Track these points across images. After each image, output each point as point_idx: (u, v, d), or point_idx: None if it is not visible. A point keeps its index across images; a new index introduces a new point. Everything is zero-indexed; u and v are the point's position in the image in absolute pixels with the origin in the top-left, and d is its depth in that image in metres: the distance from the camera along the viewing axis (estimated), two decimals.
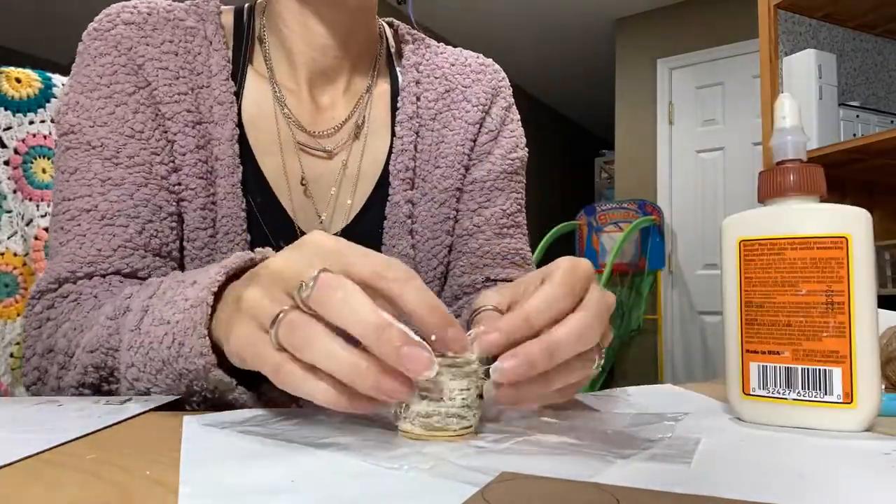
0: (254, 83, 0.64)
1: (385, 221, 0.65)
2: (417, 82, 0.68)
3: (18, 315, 0.73)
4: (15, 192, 0.76)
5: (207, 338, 0.38)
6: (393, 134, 0.67)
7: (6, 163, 0.76)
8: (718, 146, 3.96)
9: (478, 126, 0.70)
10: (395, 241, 0.65)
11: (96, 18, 0.60)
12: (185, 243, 0.60)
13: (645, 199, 4.08)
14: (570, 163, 6.04)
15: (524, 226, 0.74)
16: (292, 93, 0.64)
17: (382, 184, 0.66)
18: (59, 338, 0.51)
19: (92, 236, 0.56)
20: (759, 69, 1.78)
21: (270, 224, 0.62)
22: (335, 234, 0.65)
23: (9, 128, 0.77)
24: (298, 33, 0.63)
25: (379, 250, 0.64)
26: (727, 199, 3.86)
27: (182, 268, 0.60)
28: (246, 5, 0.67)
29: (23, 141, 0.78)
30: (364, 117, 0.67)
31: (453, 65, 0.71)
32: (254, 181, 0.62)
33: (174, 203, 0.59)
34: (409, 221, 0.65)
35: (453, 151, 0.68)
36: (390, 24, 0.74)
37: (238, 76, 0.62)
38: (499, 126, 0.71)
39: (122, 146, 0.57)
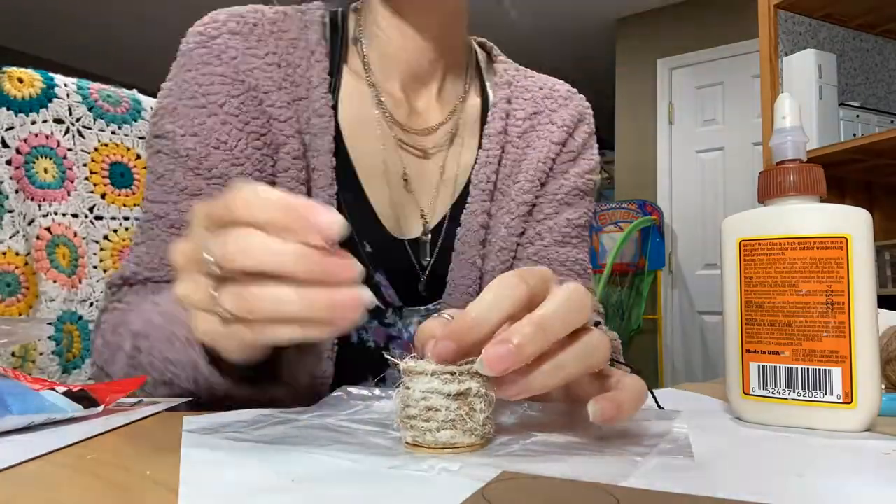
0: (351, 83, 0.65)
1: (459, 228, 0.66)
2: (508, 100, 0.70)
3: (20, 314, 0.73)
4: (17, 191, 0.76)
5: (212, 365, 0.41)
6: (480, 146, 0.68)
7: (8, 163, 0.76)
8: (718, 146, 3.96)
9: (560, 146, 0.71)
10: (465, 248, 0.65)
11: (201, 22, 0.60)
12: None
13: (645, 199, 4.08)
14: None
15: (588, 241, 0.74)
16: (388, 94, 0.66)
17: (465, 193, 0.67)
18: (107, 355, 0.53)
19: (160, 243, 0.57)
20: (759, 69, 1.78)
21: (358, 224, 0.62)
22: (427, 234, 0.65)
23: (11, 128, 0.77)
24: (393, 37, 0.64)
25: (450, 256, 0.65)
26: (727, 199, 3.85)
27: None
28: (339, 9, 0.68)
29: (25, 141, 0.78)
30: (458, 124, 0.69)
31: (542, 88, 0.74)
32: (347, 185, 0.62)
33: None
34: (482, 231, 0.66)
35: (534, 167, 0.69)
36: (482, 45, 0.76)
37: (333, 76, 0.63)
38: (580, 148, 0.73)
39: (204, 157, 0.57)
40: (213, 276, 0.31)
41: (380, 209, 0.63)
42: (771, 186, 0.42)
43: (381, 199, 0.64)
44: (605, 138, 5.28)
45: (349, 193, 0.62)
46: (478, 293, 0.69)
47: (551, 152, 0.70)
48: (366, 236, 0.62)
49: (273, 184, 0.59)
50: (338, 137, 0.62)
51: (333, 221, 0.29)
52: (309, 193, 0.60)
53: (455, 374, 0.32)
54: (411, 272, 0.65)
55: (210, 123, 0.57)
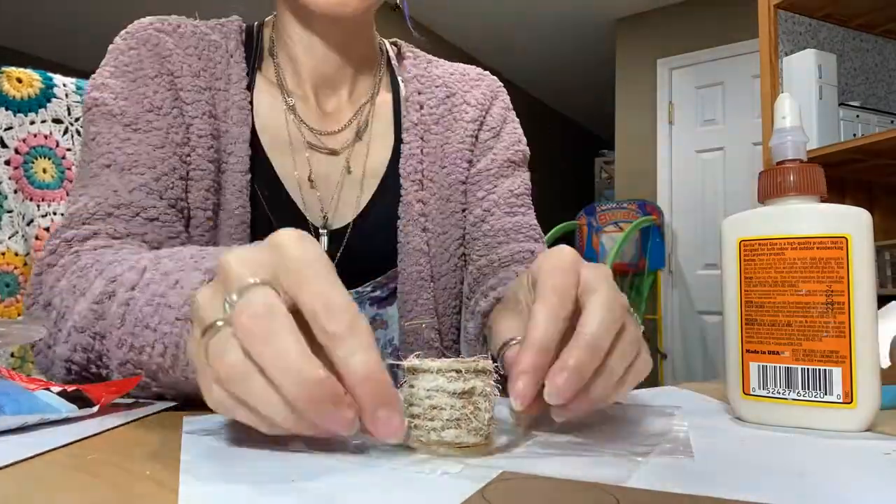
0: (265, 89, 0.70)
1: (399, 221, 0.70)
2: (419, 92, 0.74)
3: (19, 315, 0.73)
4: (16, 191, 0.76)
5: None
6: (398, 139, 0.72)
7: (7, 163, 0.76)
8: (718, 146, 3.96)
9: (478, 123, 0.75)
10: (409, 238, 0.69)
11: (128, 27, 0.66)
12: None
13: (645, 199, 4.08)
14: (570, 163, 6.04)
15: (532, 206, 0.77)
16: (300, 99, 0.70)
17: (388, 184, 0.71)
18: (55, 295, 0.52)
19: (110, 183, 0.59)
20: (759, 69, 1.78)
21: (279, 217, 0.66)
22: (342, 228, 0.68)
23: (10, 128, 0.77)
24: (302, 46, 0.69)
25: (394, 246, 0.69)
26: (727, 199, 3.85)
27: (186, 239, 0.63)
28: (256, 22, 0.73)
29: (23, 141, 0.78)
30: (367, 121, 0.72)
31: (452, 74, 0.78)
32: (263, 178, 0.67)
33: (185, 171, 0.63)
34: (421, 219, 0.70)
35: (455, 149, 0.73)
36: (394, 43, 0.80)
37: (250, 83, 0.69)
38: (500, 124, 0.76)
39: (140, 115, 0.62)
40: (227, 320, 0.29)
41: (302, 207, 0.68)
42: (771, 186, 0.42)
43: (298, 198, 0.68)
44: (605, 138, 5.28)
45: (267, 191, 0.66)
46: (430, 278, 0.72)
47: (469, 131, 0.74)
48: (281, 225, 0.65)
49: (188, 155, 0.63)
50: (255, 138, 0.66)
51: (399, 433, 0.28)
52: (219, 171, 0.64)
53: (461, 371, 0.32)
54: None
55: (141, 91, 0.62)
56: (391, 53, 0.79)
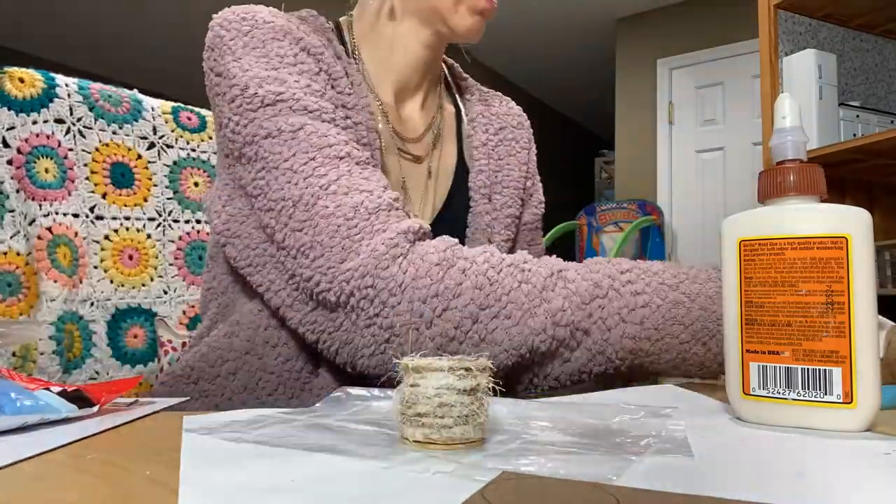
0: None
1: (467, 229, 0.72)
2: (482, 114, 0.78)
3: (21, 314, 0.73)
4: (18, 191, 0.76)
5: None
6: (460, 152, 0.76)
7: (9, 162, 0.76)
8: (718, 146, 3.96)
9: (525, 167, 0.80)
10: (476, 246, 0.70)
11: (230, 14, 0.60)
12: None
13: (645, 199, 4.08)
14: (571, 163, 6.04)
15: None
16: (381, 101, 0.71)
17: (456, 193, 0.73)
18: (455, 308, 0.49)
19: (361, 180, 0.54)
20: (759, 69, 1.78)
21: None
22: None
23: (12, 127, 0.77)
24: (398, 51, 0.70)
25: None
26: (727, 199, 3.85)
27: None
28: (335, 21, 0.73)
29: (26, 141, 0.78)
30: (440, 130, 0.75)
31: (500, 105, 0.82)
32: None
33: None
34: (488, 230, 0.73)
35: (513, 185, 0.77)
36: (444, 61, 0.82)
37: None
38: (534, 173, 0.82)
39: (326, 109, 0.58)
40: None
41: None
42: (771, 186, 0.42)
43: None
44: (605, 138, 5.28)
45: None
46: None
47: (521, 172, 0.78)
48: None
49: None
50: None
51: None
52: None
53: (472, 369, 0.32)
54: None
55: (304, 81, 0.58)
56: (444, 69, 0.81)
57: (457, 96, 0.80)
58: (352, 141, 0.58)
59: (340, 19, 0.74)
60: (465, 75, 0.83)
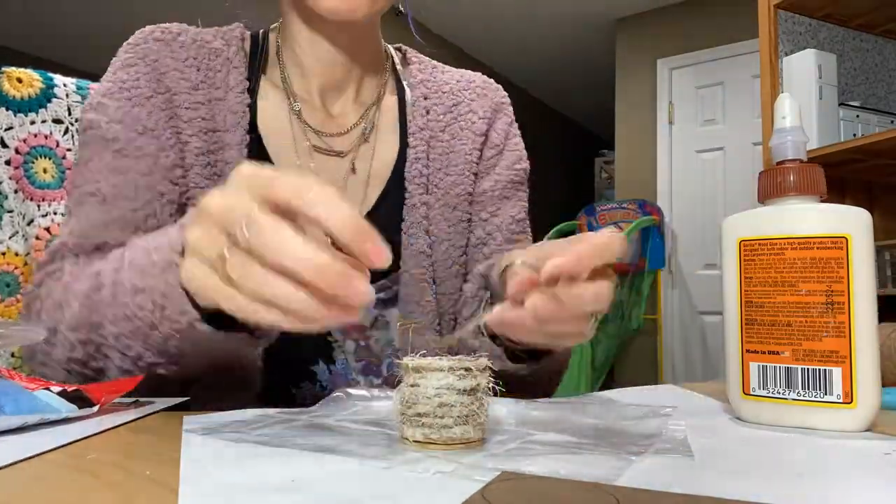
0: (270, 94, 0.70)
1: (403, 223, 0.70)
2: (425, 97, 0.75)
3: (20, 314, 0.73)
4: (16, 191, 0.76)
5: (185, 294, 0.40)
6: (403, 143, 0.73)
7: (7, 163, 0.76)
8: (718, 146, 3.96)
9: (483, 137, 0.76)
10: (413, 241, 0.70)
11: (131, 38, 0.67)
12: None
13: (645, 199, 4.08)
14: (571, 163, 6.04)
15: (530, 232, 0.79)
16: (306, 102, 0.71)
17: (392, 187, 0.71)
18: (45, 316, 0.54)
19: (91, 215, 0.60)
20: (759, 69, 1.78)
21: None
22: None
23: (10, 128, 0.77)
24: (309, 50, 0.70)
25: (398, 247, 0.69)
26: (727, 199, 3.85)
27: None
28: (261, 30, 0.74)
29: (24, 141, 0.78)
30: (373, 124, 0.73)
31: (458, 81, 0.78)
32: None
33: (177, 193, 0.63)
34: (424, 222, 0.71)
35: (463, 160, 0.74)
36: (398, 49, 0.81)
37: (254, 88, 0.69)
38: (503, 141, 0.77)
39: (131, 140, 0.62)
40: (232, 238, 0.33)
41: None
42: (771, 186, 0.42)
43: None
44: (605, 138, 5.28)
45: None
46: (432, 281, 0.72)
47: (475, 143, 0.75)
48: None
49: (182, 177, 0.63)
50: (257, 140, 0.67)
51: (386, 258, 0.32)
52: (219, 183, 0.65)
53: (472, 370, 0.32)
54: None
55: (135, 113, 0.63)
56: (396, 58, 0.80)
57: (405, 84, 0.77)
58: (160, 153, 0.62)
59: (273, 25, 0.74)
60: (419, 58, 0.80)
